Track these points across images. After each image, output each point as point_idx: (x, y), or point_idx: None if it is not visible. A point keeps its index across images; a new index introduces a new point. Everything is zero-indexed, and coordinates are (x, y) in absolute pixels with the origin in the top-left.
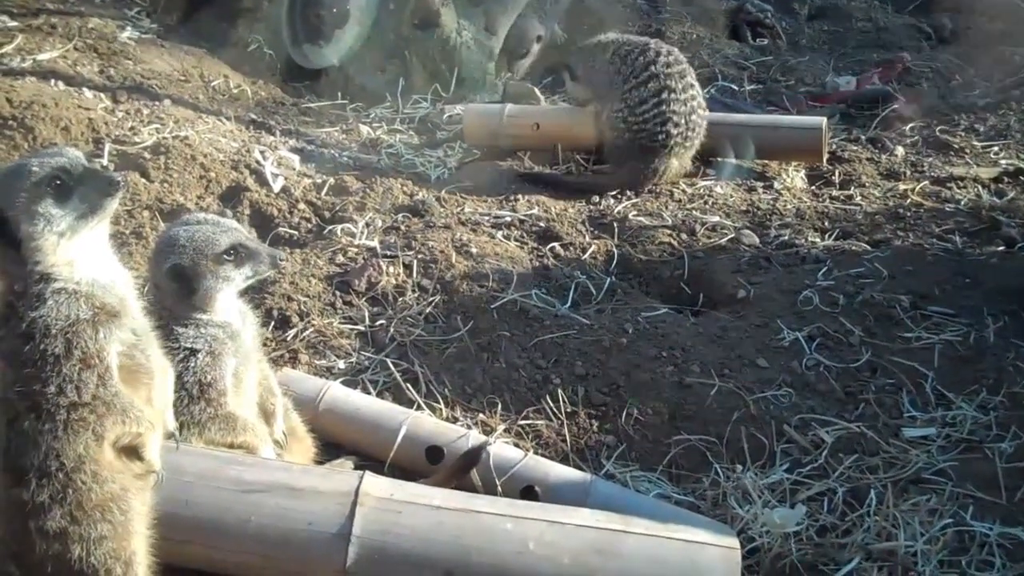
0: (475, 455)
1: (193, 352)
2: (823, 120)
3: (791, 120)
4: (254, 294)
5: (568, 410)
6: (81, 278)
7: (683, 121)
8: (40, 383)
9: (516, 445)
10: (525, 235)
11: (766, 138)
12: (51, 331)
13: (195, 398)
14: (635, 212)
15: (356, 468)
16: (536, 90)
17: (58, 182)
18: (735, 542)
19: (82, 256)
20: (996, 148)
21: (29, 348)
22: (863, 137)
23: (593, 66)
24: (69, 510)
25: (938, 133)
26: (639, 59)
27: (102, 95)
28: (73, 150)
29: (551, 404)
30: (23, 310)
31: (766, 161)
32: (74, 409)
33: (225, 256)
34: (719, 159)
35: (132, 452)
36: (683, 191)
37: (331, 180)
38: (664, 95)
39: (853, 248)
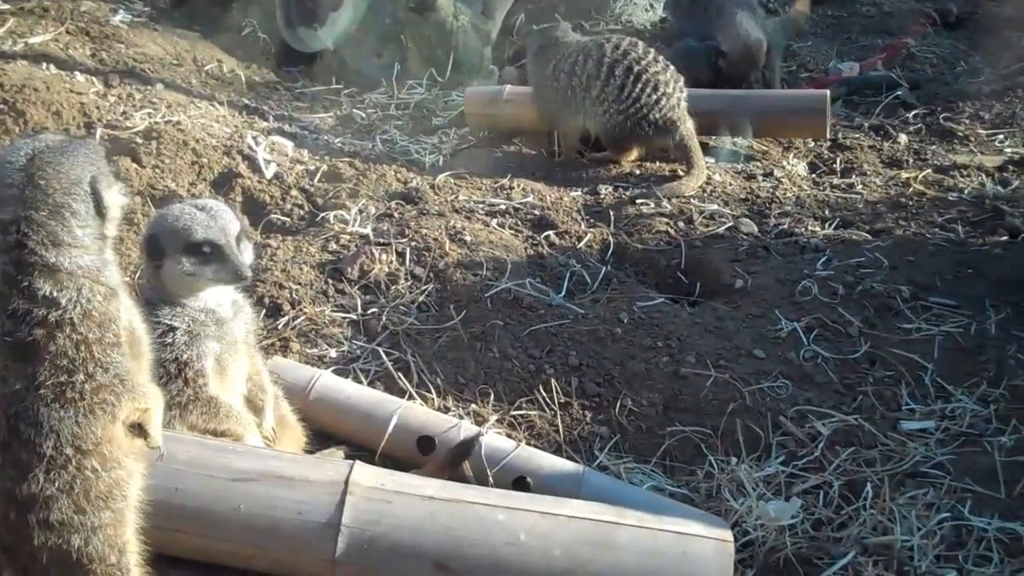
0: (468, 446)
1: (171, 329)
2: (826, 92)
3: (794, 93)
4: None
5: (561, 401)
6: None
7: (670, 77)
8: (67, 372)
9: (509, 436)
10: (520, 223)
11: (768, 112)
12: (88, 315)
13: (173, 376)
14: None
15: (347, 458)
16: None
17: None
18: (729, 535)
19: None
20: (1001, 136)
21: (62, 337)
22: (866, 124)
23: (538, 78)
24: (75, 500)
25: (942, 120)
26: (587, 64)
27: (94, 79)
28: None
29: (544, 394)
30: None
31: (768, 140)
32: (97, 392)
33: (194, 248)
34: (714, 144)
35: (136, 429)
36: None
37: (324, 166)
38: (635, 68)
39: (853, 237)
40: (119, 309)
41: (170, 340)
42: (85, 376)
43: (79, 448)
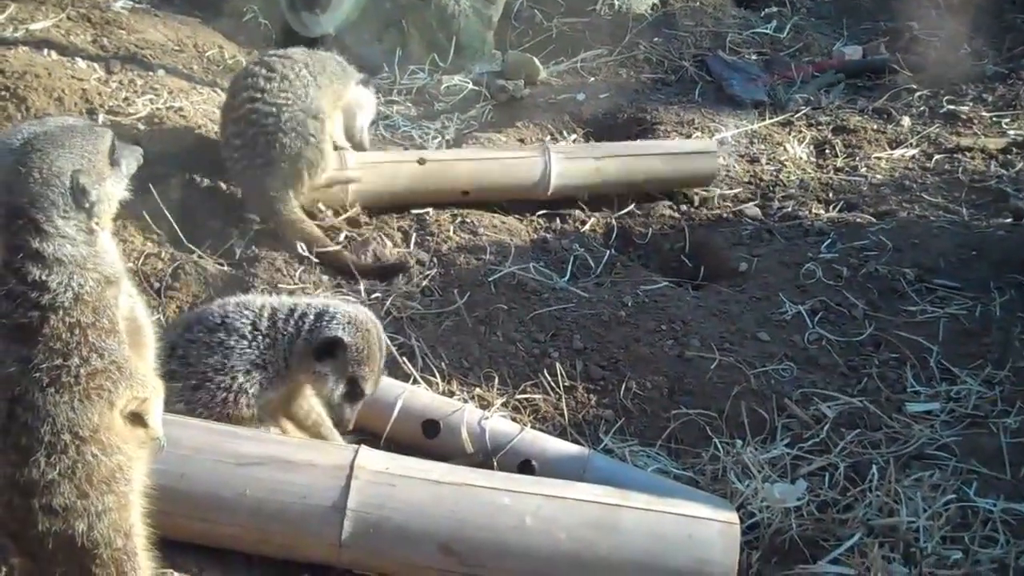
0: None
1: (244, 391)
2: (714, 144)
3: (680, 145)
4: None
5: (566, 384)
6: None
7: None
8: (62, 356)
9: (513, 419)
10: (523, 207)
11: (652, 166)
12: (81, 299)
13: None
14: None
15: (352, 443)
16: (535, 59)
17: None
18: (734, 517)
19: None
20: (1005, 119)
21: (55, 320)
22: (869, 107)
23: None
24: (77, 484)
25: (945, 103)
26: None
27: (95, 65)
28: None
29: (549, 378)
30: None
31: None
32: (92, 377)
33: (358, 383)
34: None
35: (135, 419)
36: None
37: None
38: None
39: (857, 220)
40: (117, 297)
41: (232, 399)
42: (80, 360)
43: (76, 434)
